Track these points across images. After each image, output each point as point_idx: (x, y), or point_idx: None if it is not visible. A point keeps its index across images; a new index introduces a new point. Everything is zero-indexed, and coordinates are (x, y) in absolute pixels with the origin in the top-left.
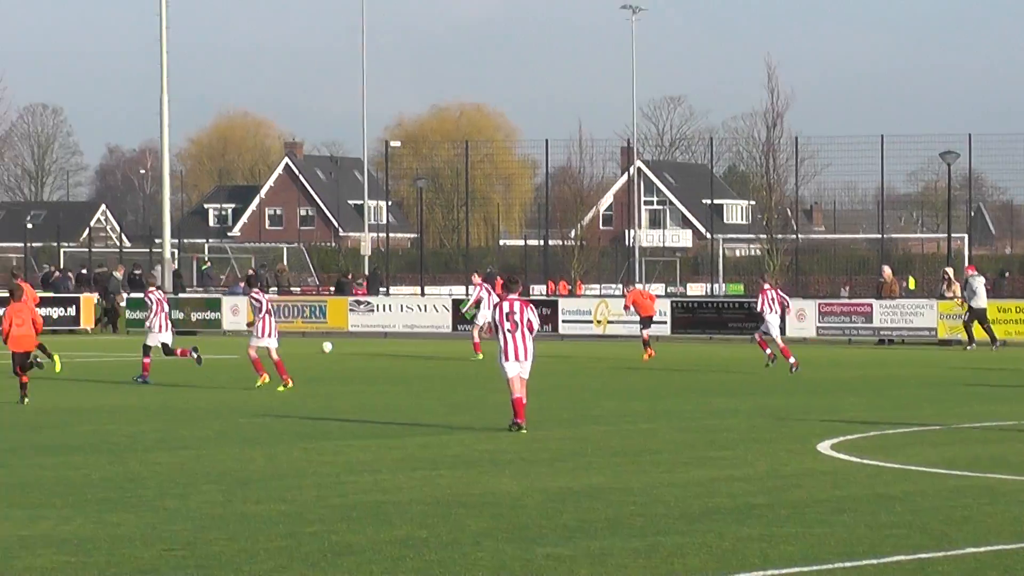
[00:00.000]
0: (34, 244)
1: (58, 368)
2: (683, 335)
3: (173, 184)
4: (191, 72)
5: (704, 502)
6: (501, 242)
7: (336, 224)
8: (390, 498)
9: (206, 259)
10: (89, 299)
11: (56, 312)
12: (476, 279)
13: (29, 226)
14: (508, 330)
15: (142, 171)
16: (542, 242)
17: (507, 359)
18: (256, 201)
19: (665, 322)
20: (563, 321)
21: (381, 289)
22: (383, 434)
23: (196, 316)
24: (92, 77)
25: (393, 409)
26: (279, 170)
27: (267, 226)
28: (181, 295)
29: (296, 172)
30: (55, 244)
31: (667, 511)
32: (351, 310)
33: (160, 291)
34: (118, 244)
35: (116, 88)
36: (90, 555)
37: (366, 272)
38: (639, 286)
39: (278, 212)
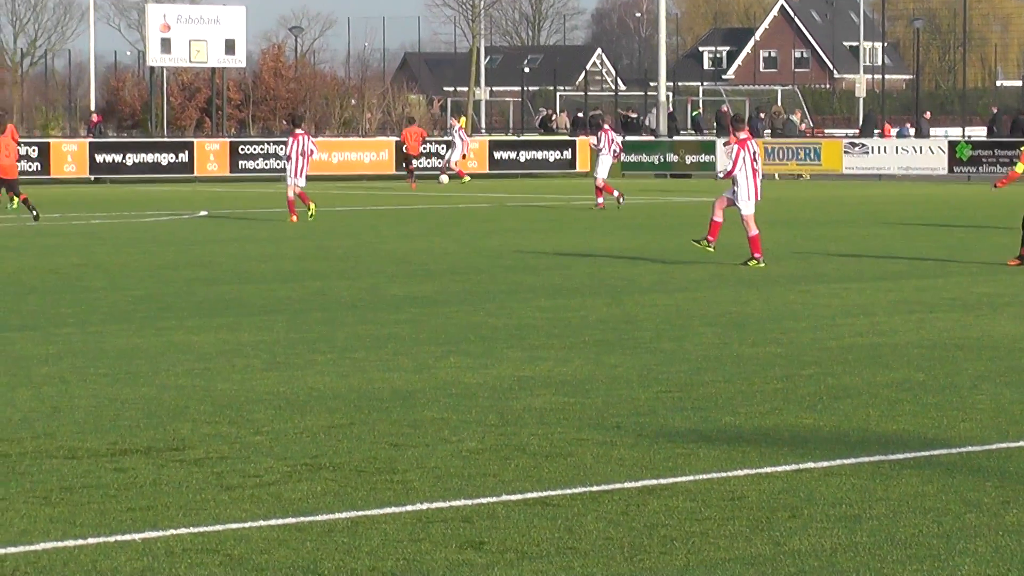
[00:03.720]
0: (530, 88)
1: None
2: None
3: (668, 27)
4: None
5: None
6: (998, 83)
7: (831, 66)
8: (886, 340)
9: (699, 104)
10: (584, 142)
11: (552, 155)
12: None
13: (526, 70)
14: (755, 171)
15: (638, 14)
16: None
17: (749, 198)
18: (751, 43)
19: None
20: None
21: (876, 131)
22: (878, 276)
23: (690, 159)
24: None
25: (888, 251)
26: (774, 12)
27: (761, 68)
28: (676, 138)
29: (791, 14)
30: (551, 88)
31: None
32: (845, 152)
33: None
34: (613, 88)
35: None
36: (588, 396)
37: (861, 114)
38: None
39: (772, 54)
